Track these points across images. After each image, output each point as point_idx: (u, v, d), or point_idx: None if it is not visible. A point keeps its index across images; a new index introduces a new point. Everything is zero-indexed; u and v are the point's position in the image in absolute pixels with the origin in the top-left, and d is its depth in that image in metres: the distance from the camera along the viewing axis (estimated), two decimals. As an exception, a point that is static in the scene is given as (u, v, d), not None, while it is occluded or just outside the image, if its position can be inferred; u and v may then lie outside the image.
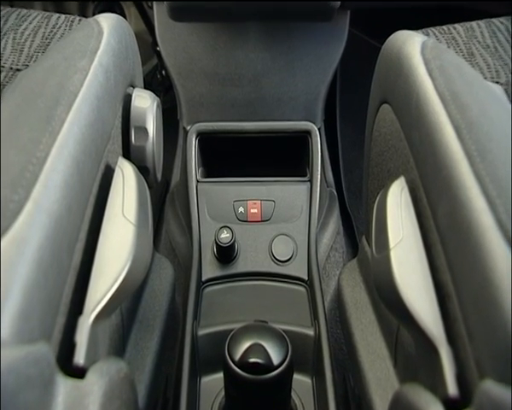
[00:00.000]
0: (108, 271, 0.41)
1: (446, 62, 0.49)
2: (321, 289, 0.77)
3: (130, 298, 0.60)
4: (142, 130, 0.58)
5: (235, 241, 0.79)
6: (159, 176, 0.65)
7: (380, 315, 0.63)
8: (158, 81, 1.34)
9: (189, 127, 0.91)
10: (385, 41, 0.60)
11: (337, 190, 1.07)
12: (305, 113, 0.93)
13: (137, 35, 0.67)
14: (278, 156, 0.97)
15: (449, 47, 0.79)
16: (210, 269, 0.81)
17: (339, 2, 0.77)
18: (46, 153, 0.38)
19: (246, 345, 0.50)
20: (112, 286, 0.41)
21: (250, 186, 0.88)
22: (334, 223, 0.97)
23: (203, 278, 0.81)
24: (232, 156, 0.96)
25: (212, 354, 0.69)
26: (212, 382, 0.68)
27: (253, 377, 0.48)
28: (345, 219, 1.06)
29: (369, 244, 0.67)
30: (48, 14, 0.82)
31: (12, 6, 0.84)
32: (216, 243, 0.78)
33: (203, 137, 0.91)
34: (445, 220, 0.41)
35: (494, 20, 0.82)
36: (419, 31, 0.81)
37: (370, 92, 0.66)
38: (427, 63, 0.49)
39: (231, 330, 0.52)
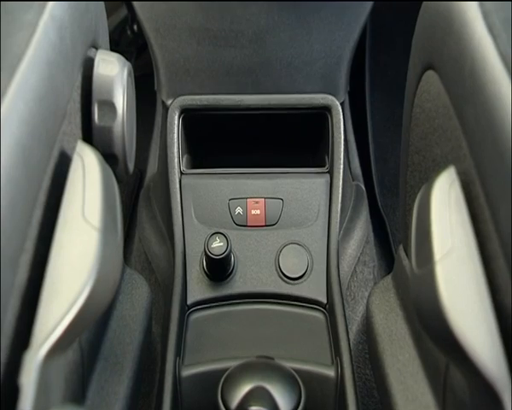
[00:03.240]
0: (64, 291, 0.41)
1: (512, 15, 0.49)
2: (344, 315, 0.77)
3: (92, 328, 0.60)
4: (109, 105, 0.59)
5: (230, 252, 0.79)
6: (130, 166, 0.65)
7: (422, 350, 0.63)
8: (128, 40, 1.34)
9: (169, 101, 0.92)
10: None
11: (366, 184, 1.07)
12: (323, 82, 0.92)
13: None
14: (288, 140, 0.97)
15: None
16: (198, 289, 0.81)
17: None
18: None
19: (245, 389, 0.50)
20: (68, 311, 0.41)
21: (250, 180, 0.88)
22: (362, 228, 0.97)
23: (189, 301, 0.81)
24: (227, 140, 0.96)
25: (200, 402, 0.69)
26: (200, 438, 0.68)
27: (255, 431, 0.48)
28: (376, 222, 1.06)
29: (408, 256, 0.67)
30: None
31: None
32: (206, 254, 0.78)
33: (189, 115, 0.91)
34: (510, 225, 0.41)
35: None
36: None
37: (410, 55, 0.66)
38: (486, 16, 0.49)
39: (226, 370, 0.52)
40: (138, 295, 0.73)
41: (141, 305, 0.72)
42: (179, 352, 0.73)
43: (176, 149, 0.89)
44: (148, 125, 1.11)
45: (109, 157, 0.59)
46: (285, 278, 0.82)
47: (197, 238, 0.84)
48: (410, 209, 0.59)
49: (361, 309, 0.91)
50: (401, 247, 0.72)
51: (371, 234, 1.01)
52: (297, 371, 0.57)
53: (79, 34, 0.56)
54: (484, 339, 0.41)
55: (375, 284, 0.83)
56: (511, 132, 0.41)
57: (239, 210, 0.87)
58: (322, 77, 0.92)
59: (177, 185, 0.88)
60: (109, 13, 0.85)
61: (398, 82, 0.80)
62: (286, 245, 0.84)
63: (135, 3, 0.90)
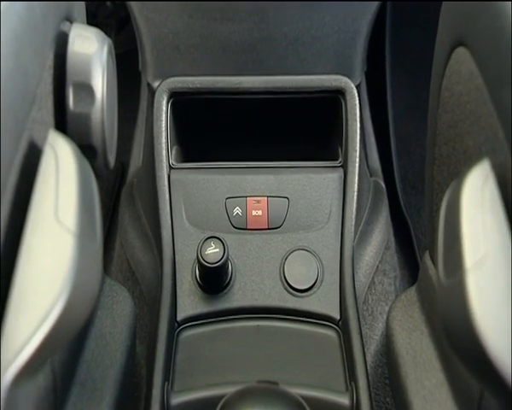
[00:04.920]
0: (34, 305, 0.41)
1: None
2: (360, 333, 0.78)
3: (67, 348, 0.60)
4: (85, 88, 0.59)
5: (227, 259, 0.79)
6: (111, 159, 0.65)
7: (452, 375, 0.63)
8: (108, 11, 1.34)
9: (156, 84, 0.92)
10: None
11: (386, 180, 1.07)
12: (336, 61, 0.93)
13: None
14: (294, 129, 0.97)
15: None
16: (189, 303, 0.82)
17: None
18: None
19: (245, 419, 0.50)
20: (39, 329, 0.41)
21: (251, 175, 0.89)
22: (381, 232, 0.97)
23: (178, 317, 0.81)
24: (223, 129, 0.96)
25: (192, 434, 0.69)
26: None
27: None
28: (398, 225, 1.06)
29: (435, 264, 0.67)
30: None
31: None
32: (199, 262, 0.78)
33: (179, 100, 0.92)
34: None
35: None
36: None
37: (438, 29, 0.66)
38: None
39: (222, 397, 0.53)
40: (120, 309, 0.73)
41: (123, 321, 0.72)
42: (168, 376, 0.73)
43: (164, 140, 0.89)
44: (131, 111, 1.12)
45: (86, 149, 0.59)
46: (291, 290, 0.82)
47: (189, 244, 0.84)
48: (438, 209, 0.59)
49: (380, 326, 0.91)
50: (427, 253, 0.72)
51: (392, 238, 1.01)
52: (305, 398, 0.57)
53: (51, 5, 0.56)
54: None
55: (397, 296, 0.83)
56: None
57: (237, 211, 0.87)
58: (335, 55, 0.92)
59: (166, 182, 0.88)
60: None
61: (424, 61, 0.80)
62: (292, 251, 0.84)
63: None
